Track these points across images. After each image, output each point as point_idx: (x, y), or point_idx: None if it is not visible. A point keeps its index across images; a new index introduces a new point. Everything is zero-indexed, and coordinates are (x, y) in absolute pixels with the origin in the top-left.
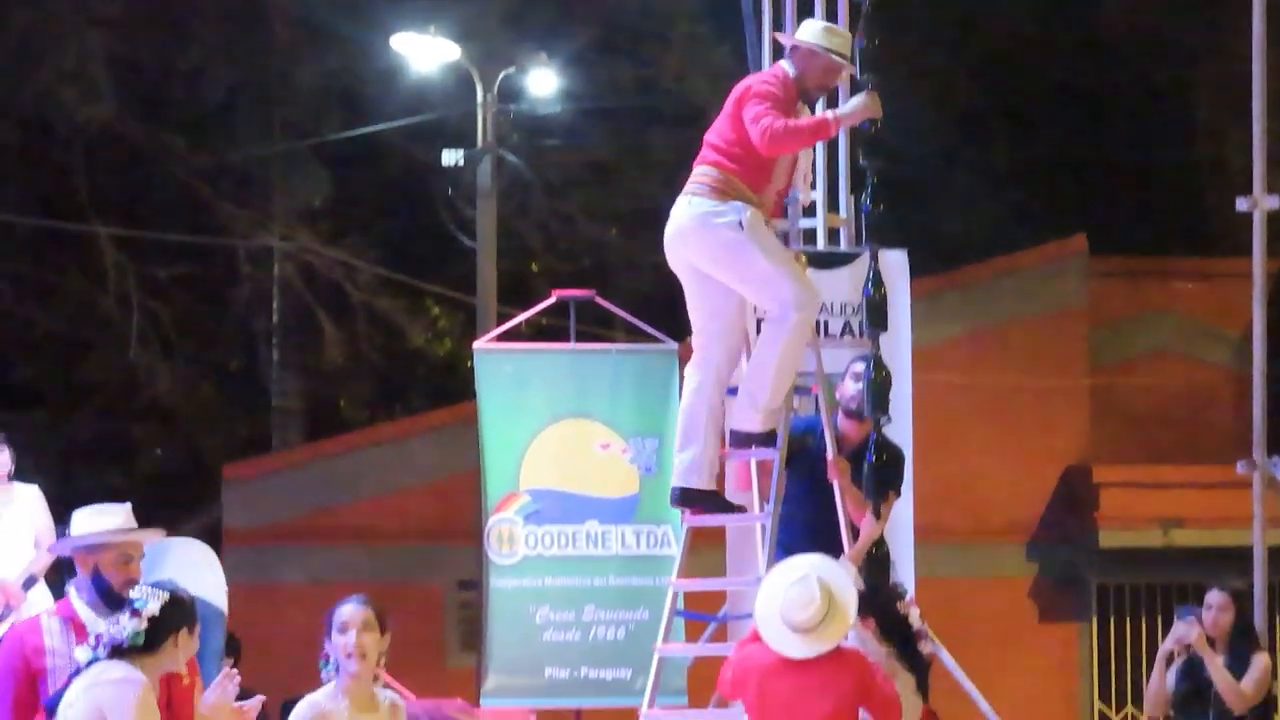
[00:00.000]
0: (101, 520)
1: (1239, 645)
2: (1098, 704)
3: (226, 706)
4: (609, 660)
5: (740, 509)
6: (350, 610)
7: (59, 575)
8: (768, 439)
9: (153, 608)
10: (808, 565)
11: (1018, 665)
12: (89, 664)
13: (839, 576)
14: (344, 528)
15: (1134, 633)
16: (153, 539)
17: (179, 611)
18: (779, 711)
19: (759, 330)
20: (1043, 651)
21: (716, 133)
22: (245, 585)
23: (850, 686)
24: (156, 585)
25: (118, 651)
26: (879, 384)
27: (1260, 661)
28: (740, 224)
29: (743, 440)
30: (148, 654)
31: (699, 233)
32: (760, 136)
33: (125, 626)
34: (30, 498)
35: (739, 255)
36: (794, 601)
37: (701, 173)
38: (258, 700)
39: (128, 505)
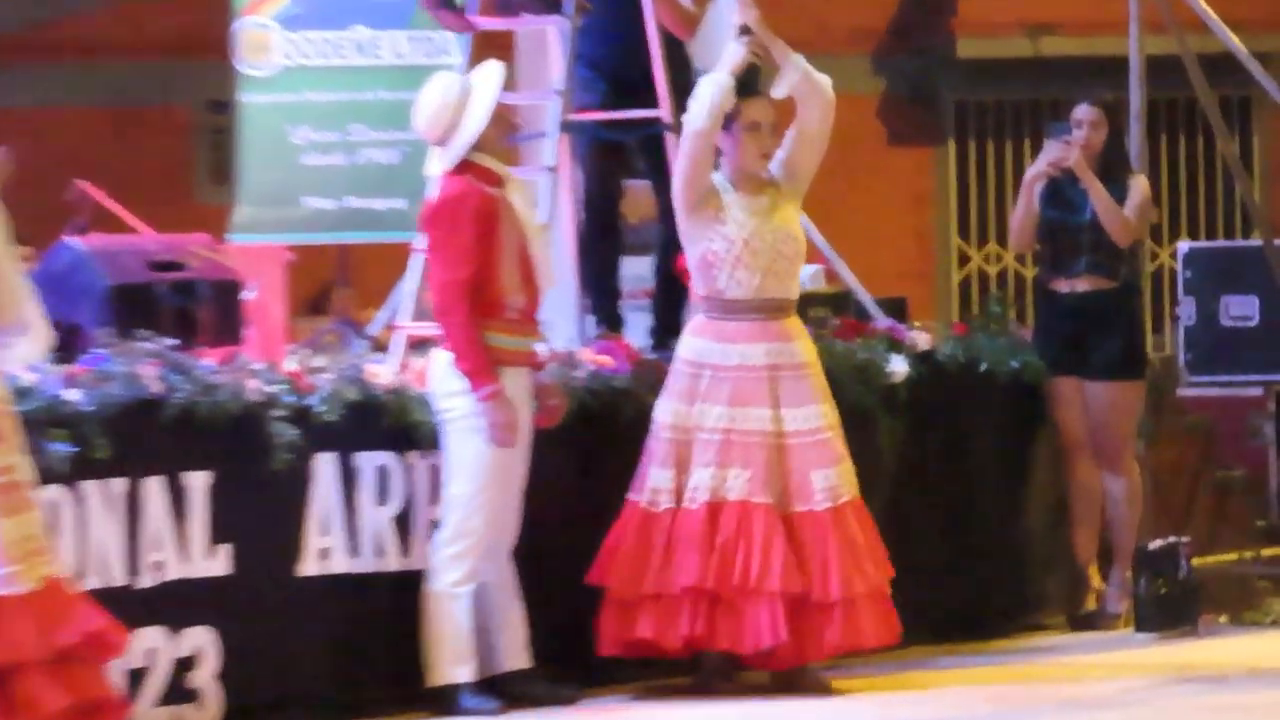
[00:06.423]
0: None
1: (1114, 168)
2: (956, 240)
3: None
4: (380, 188)
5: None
6: None
7: None
8: None
9: None
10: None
11: (863, 196)
12: None
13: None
14: (70, 42)
15: (998, 158)
16: None
17: None
18: None
19: None
20: (893, 180)
21: None
22: None
23: None
24: None
25: None
26: None
27: (1139, 186)
28: None
29: None
30: None
31: None
32: None
33: None
34: None
35: None
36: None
37: None
38: None
39: None
